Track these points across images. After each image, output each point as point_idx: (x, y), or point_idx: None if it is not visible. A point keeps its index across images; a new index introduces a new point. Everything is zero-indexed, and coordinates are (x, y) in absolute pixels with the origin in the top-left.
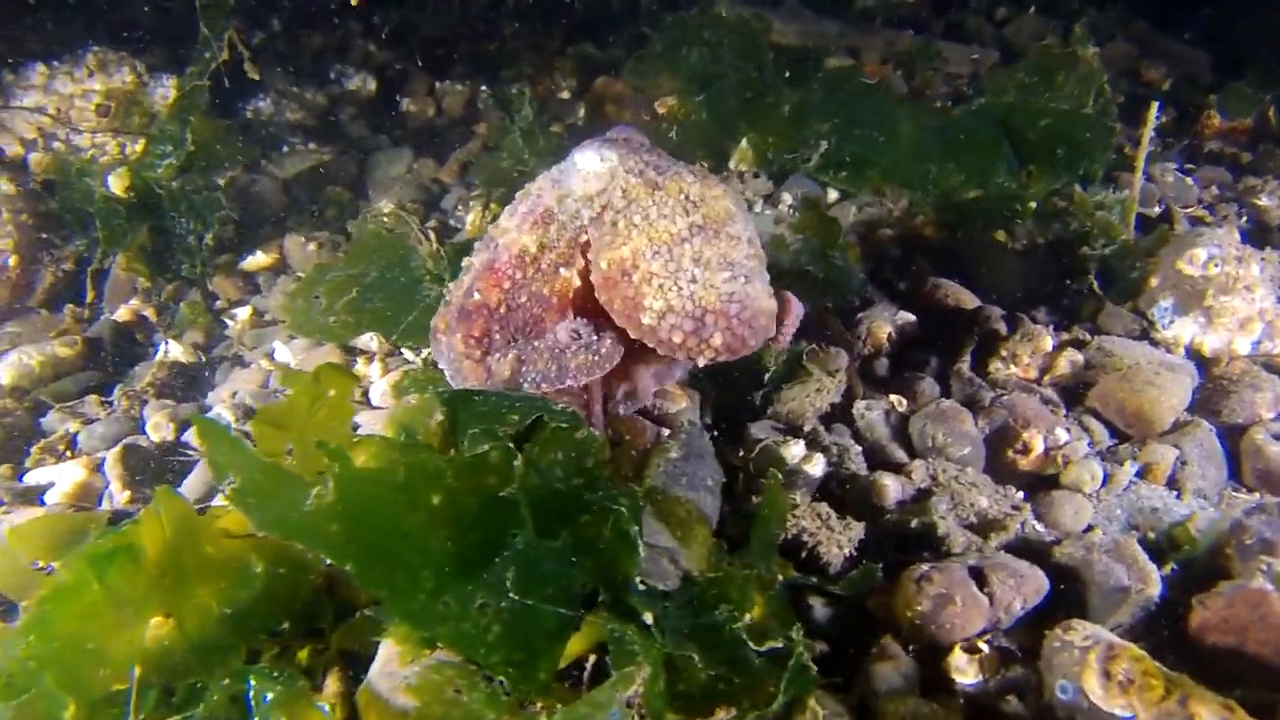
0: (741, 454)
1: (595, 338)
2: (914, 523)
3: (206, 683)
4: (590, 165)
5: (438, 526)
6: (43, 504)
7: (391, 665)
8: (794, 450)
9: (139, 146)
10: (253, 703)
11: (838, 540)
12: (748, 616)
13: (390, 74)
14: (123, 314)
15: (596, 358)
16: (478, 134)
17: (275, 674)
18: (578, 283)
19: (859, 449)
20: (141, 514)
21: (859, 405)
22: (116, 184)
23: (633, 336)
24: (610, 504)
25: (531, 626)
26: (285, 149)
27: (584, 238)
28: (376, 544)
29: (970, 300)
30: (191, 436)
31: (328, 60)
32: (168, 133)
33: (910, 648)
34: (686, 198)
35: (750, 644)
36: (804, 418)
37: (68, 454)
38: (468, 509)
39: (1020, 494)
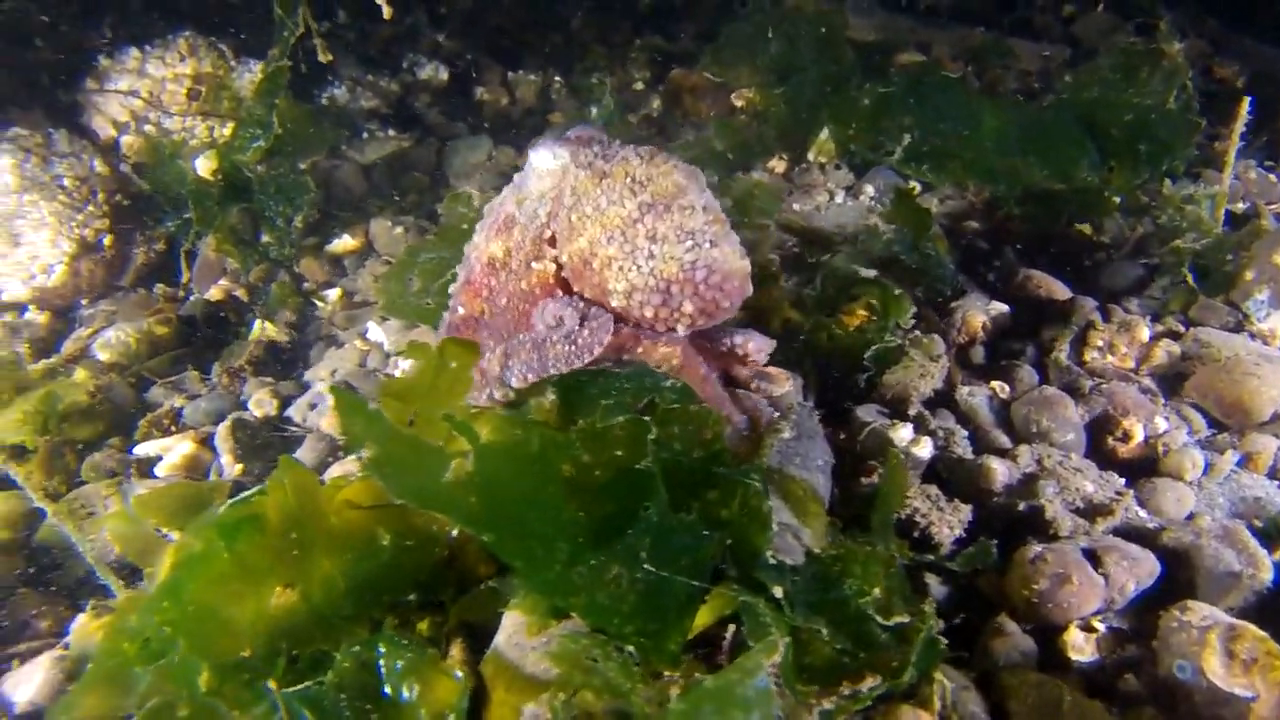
0: (847, 436)
1: (577, 325)
2: (1022, 506)
3: (332, 651)
4: (544, 164)
5: (570, 498)
6: (154, 475)
7: (519, 636)
8: (903, 433)
9: (227, 130)
10: (384, 670)
11: (948, 521)
12: (875, 592)
13: (460, 64)
14: (214, 293)
15: (574, 347)
16: (553, 123)
17: (405, 642)
18: (553, 268)
19: (965, 433)
20: (268, 484)
21: (962, 390)
22: (204, 166)
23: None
24: (741, 478)
25: (665, 598)
26: (365, 135)
27: (547, 234)
28: (513, 515)
29: (1062, 291)
30: (295, 412)
31: (399, 49)
32: (255, 116)
33: (1025, 626)
34: (633, 179)
35: (878, 618)
36: (909, 402)
37: (173, 428)
38: (597, 481)
39: (1122, 480)
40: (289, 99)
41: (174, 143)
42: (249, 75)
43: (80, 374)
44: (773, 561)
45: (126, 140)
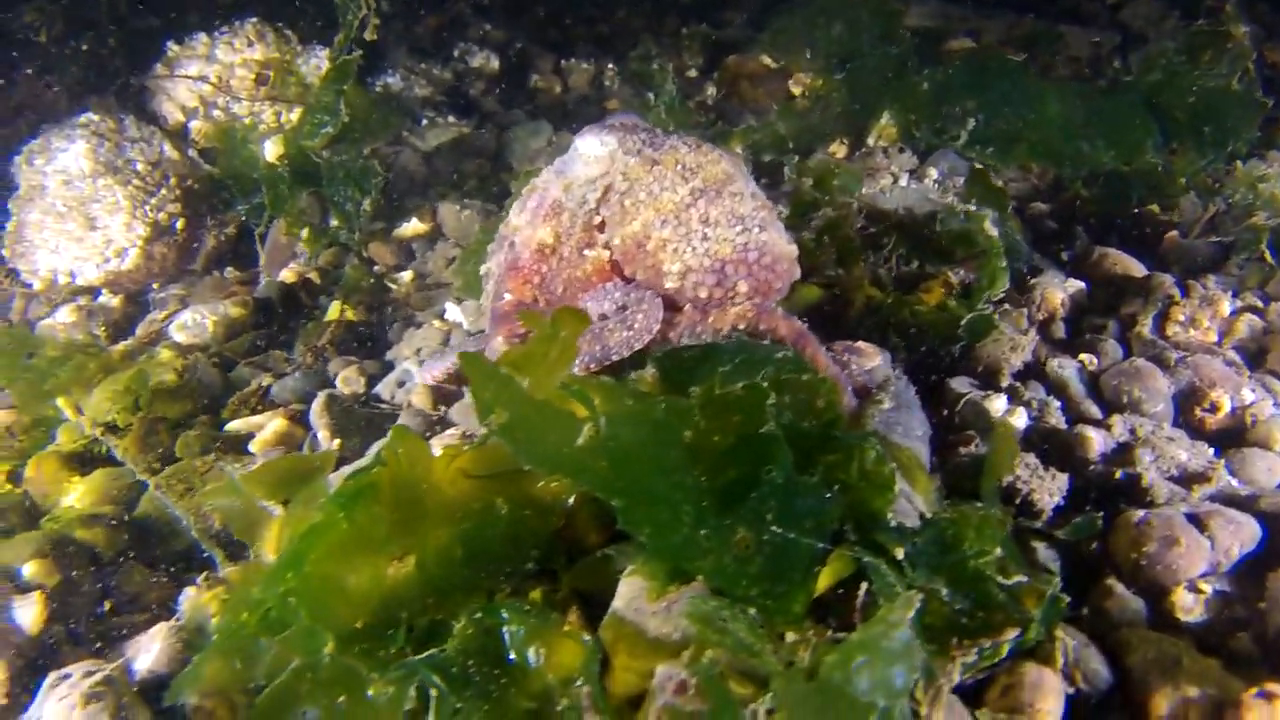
0: (940, 408)
1: (630, 310)
2: (1119, 474)
3: (447, 620)
4: (592, 150)
5: (693, 463)
6: (247, 452)
7: (639, 601)
8: (998, 404)
9: (294, 115)
10: (508, 635)
11: (1048, 489)
12: (995, 552)
13: (511, 52)
14: (288, 276)
15: (631, 332)
16: (611, 110)
17: (526, 608)
18: (607, 255)
19: (1058, 403)
20: (383, 454)
21: (1052, 362)
22: (271, 151)
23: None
24: (859, 443)
25: (790, 560)
26: (424, 122)
27: (596, 220)
28: (640, 480)
29: (1138, 268)
30: (383, 389)
31: (450, 38)
32: (324, 103)
33: (1131, 589)
34: (684, 166)
35: (999, 578)
36: (1000, 374)
37: (260, 406)
38: (716, 447)
39: (1211, 451)
40: (355, 86)
41: (244, 127)
42: (314, 60)
43: (165, 354)
44: (894, 524)
45: (195, 125)
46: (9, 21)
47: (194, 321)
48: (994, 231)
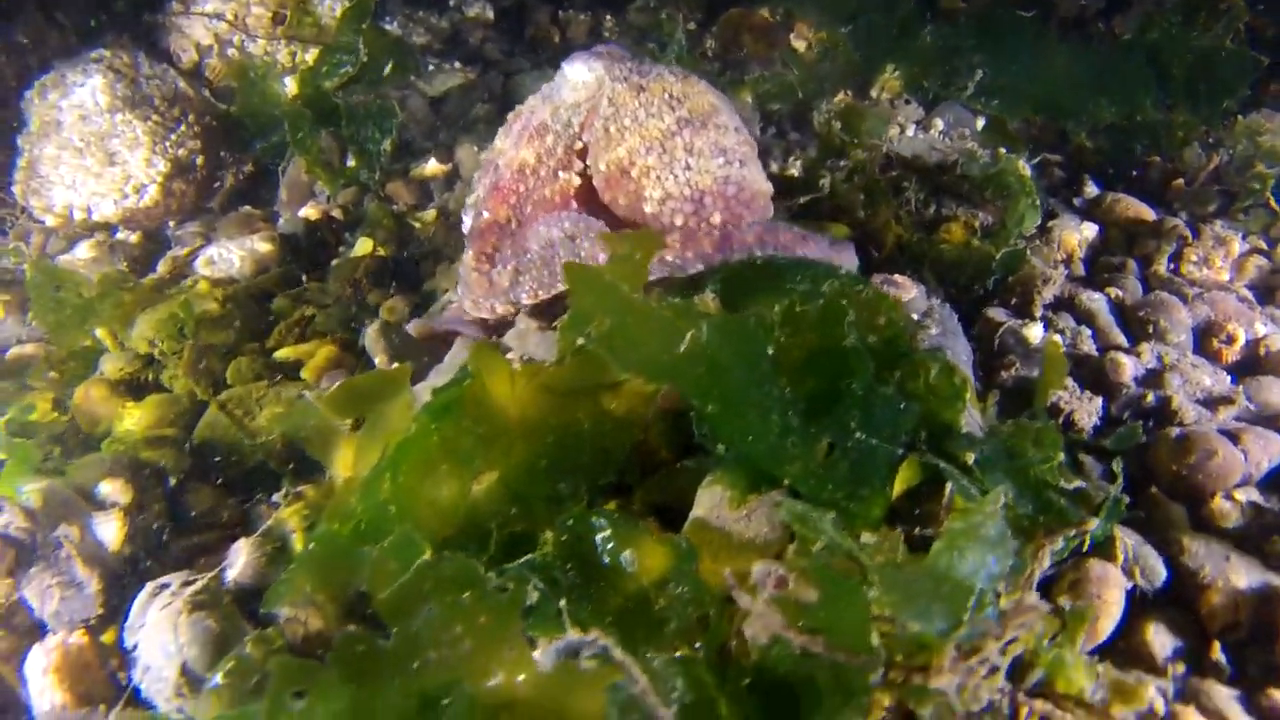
0: (978, 336)
1: (578, 239)
2: (1150, 397)
3: (532, 531)
4: (579, 76)
5: (777, 374)
6: (298, 378)
7: (720, 510)
8: (1035, 331)
9: (310, 56)
10: (601, 541)
11: (1086, 409)
12: (1058, 459)
13: (507, 2)
14: (311, 213)
15: (580, 256)
16: None
17: (616, 516)
18: (577, 181)
19: (1090, 331)
20: (470, 368)
21: (1082, 295)
22: (291, 90)
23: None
24: (928, 357)
25: (871, 465)
26: (430, 67)
27: (578, 144)
28: (734, 389)
29: (1149, 213)
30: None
31: None
32: (342, 42)
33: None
34: (670, 95)
35: (1061, 483)
36: (1034, 305)
37: (304, 335)
38: (794, 361)
39: (1229, 378)
40: (372, 27)
41: (263, 64)
42: (328, 2)
43: (203, 285)
44: (964, 432)
45: (210, 63)
46: None
47: (221, 256)
48: (1028, 171)
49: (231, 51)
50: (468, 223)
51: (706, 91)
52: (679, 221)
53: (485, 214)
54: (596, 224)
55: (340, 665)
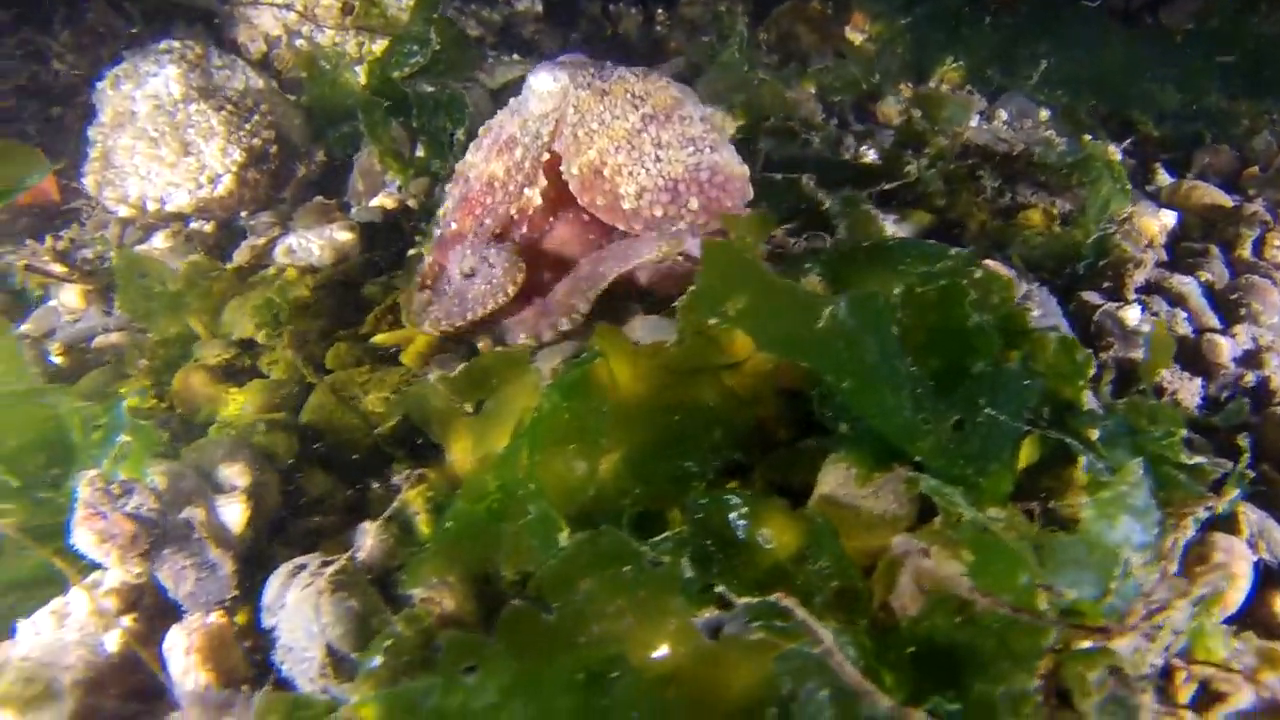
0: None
1: (491, 266)
2: (1250, 377)
3: (658, 509)
4: (544, 86)
5: (904, 352)
6: (396, 363)
7: (847, 487)
8: (1132, 313)
9: (378, 46)
10: (736, 517)
11: (1188, 389)
12: (1179, 434)
13: None
14: (387, 203)
15: (490, 285)
16: (671, 51)
17: (748, 493)
18: (538, 201)
19: (1185, 314)
20: (597, 345)
21: (1174, 278)
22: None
23: (620, 226)
24: (1046, 335)
25: (1000, 441)
26: (490, 60)
27: (545, 156)
28: (869, 365)
29: (1226, 199)
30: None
31: None
32: (414, 32)
33: None
34: (633, 95)
35: (1181, 458)
36: (1125, 289)
37: (396, 322)
38: (915, 340)
39: None
40: (441, 18)
41: (334, 54)
42: None
43: (291, 273)
44: (1087, 408)
45: (277, 54)
46: None
47: (300, 245)
48: (1118, 156)
49: (300, 42)
50: (437, 233)
51: (668, 86)
52: (659, 213)
53: (453, 225)
54: (505, 251)
55: (507, 640)
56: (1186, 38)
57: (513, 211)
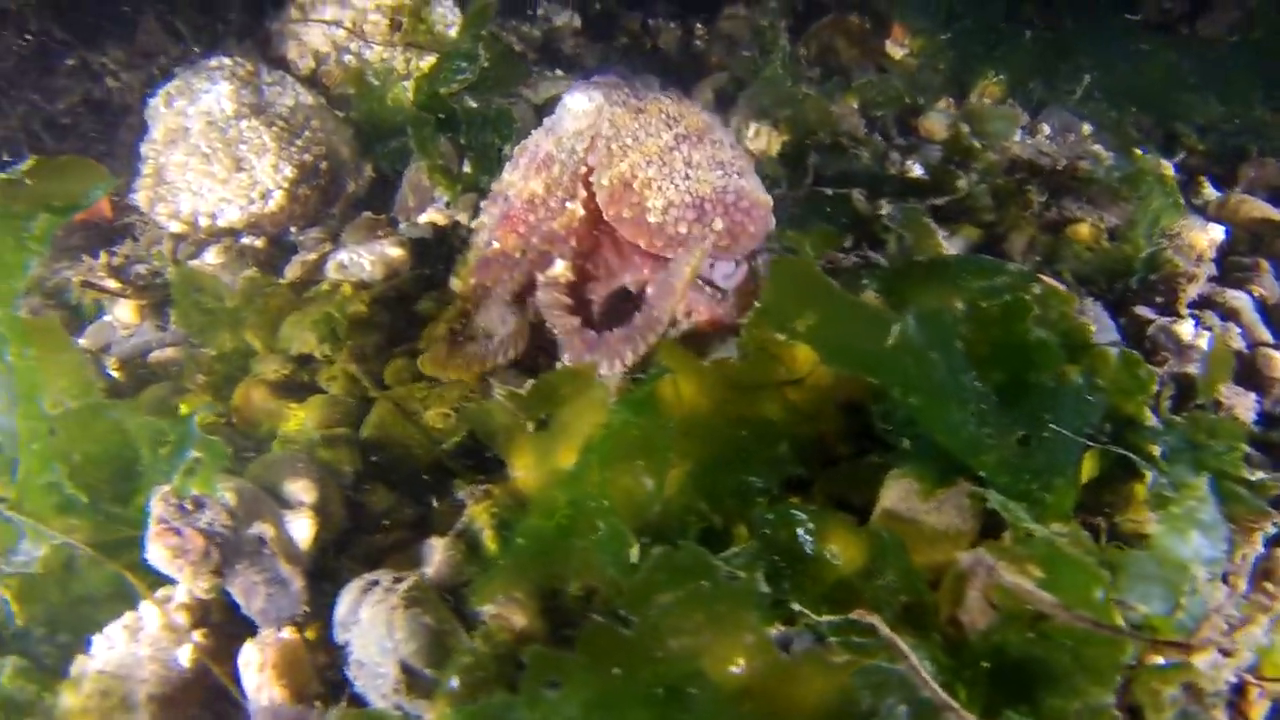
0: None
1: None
2: None
3: (723, 524)
4: (580, 105)
5: (968, 367)
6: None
7: (909, 501)
8: (1186, 328)
9: (425, 62)
10: (803, 533)
11: (1244, 404)
12: (1241, 449)
13: (592, 11)
14: (436, 218)
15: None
16: (712, 66)
17: (813, 509)
18: (581, 212)
19: (1239, 328)
20: (664, 360)
21: (1225, 293)
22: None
23: (643, 243)
24: (1107, 350)
25: (1064, 456)
26: (534, 74)
27: (583, 170)
28: (937, 381)
29: (1274, 213)
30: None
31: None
32: (463, 49)
33: None
34: (667, 115)
35: (1244, 473)
36: (1179, 303)
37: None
38: (984, 353)
39: None
40: (489, 34)
41: (383, 71)
42: (439, 9)
43: (346, 289)
44: (1148, 424)
45: (325, 70)
46: None
47: (352, 261)
48: (1171, 170)
49: (348, 58)
50: (473, 254)
51: (700, 112)
52: (683, 230)
53: (495, 244)
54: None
55: (588, 655)
56: (1229, 50)
57: (557, 226)
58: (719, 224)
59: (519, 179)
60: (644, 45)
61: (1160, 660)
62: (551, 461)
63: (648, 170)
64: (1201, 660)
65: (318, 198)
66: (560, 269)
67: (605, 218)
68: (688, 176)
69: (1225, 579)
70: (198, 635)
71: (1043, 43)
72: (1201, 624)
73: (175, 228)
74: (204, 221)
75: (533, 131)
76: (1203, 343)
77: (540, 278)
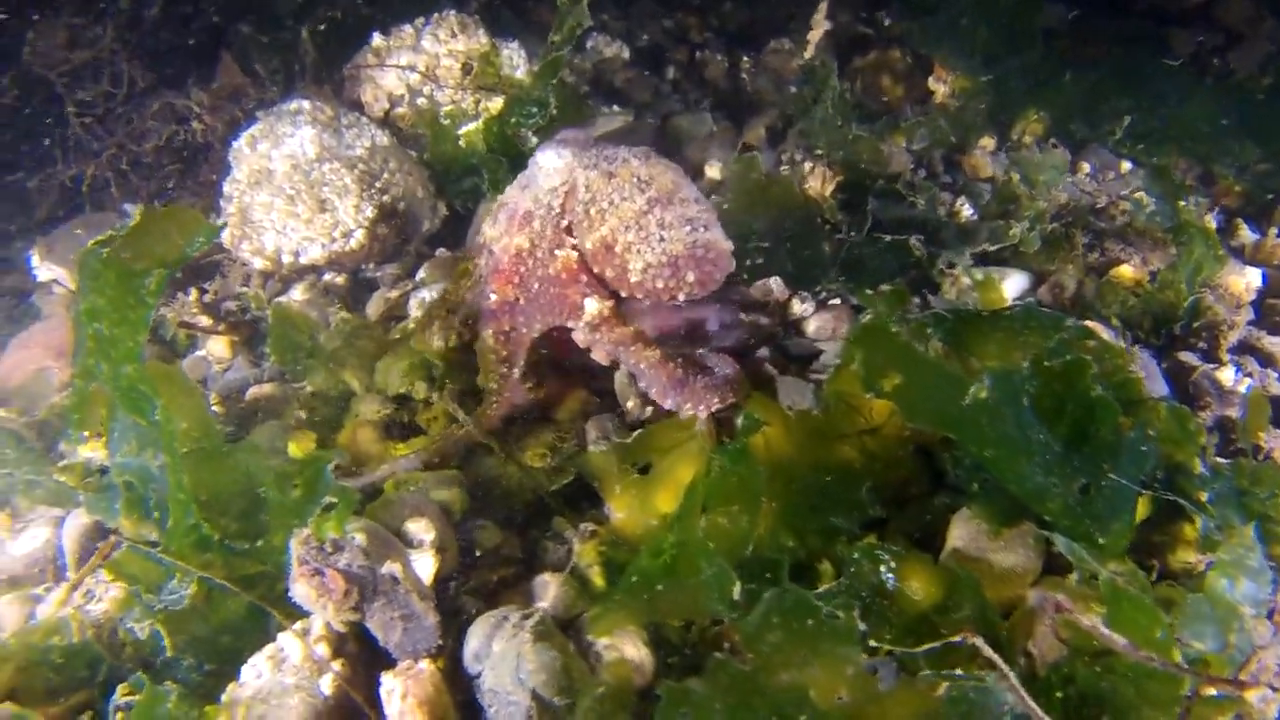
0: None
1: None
2: None
3: (807, 562)
4: (551, 163)
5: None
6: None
7: (979, 541)
8: (1228, 374)
9: (493, 104)
10: (885, 571)
11: None
12: None
13: (639, 44)
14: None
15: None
16: (762, 101)
17: (894, 548)
18: (575, 255)
19: (1277, 374)
20: (756, 414)
21: (1265, 338)
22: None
23: (623, 293)
24: (1159, 403)
25: (1121, 502)
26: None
27: (563, 223)
28: (1008, 434)
29: None
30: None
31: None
32: (535, 95)
33: None
34: (639, 179)
35: None
36: (1219, 349)
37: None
38: (1048, 407)
39: None
40: (563, 82)
41: (456, 113)
42: (505, 51)
43: (436, 326)
44: (1198, 472)
45: (398, 112)
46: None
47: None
48: (1213, 225)
49: (421, 100)
50: (484, 303)
51: (667, 170)
52: (660, 285)
53: (494, 296)
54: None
55: (712, 688)
56: (1266, 93)
57: (554, 272)
58: (690, 276)
59: (500, 234)
60: (692, 76)
61: (1214, 692)
62: (651, 505)
63: (626, 235)
64: (1254, 696)
65: (395, 235)
66: (595, 307)
67: (594, 271)
68: (662, 239)
69: (1270, 616)
70: (337, 665)
71: (1082, 83)
72: (1249, 660)
73: (259, 264)
74: (287, 259)
75: (508, 188)
76: (1243, 388)
77: (581, 322)
